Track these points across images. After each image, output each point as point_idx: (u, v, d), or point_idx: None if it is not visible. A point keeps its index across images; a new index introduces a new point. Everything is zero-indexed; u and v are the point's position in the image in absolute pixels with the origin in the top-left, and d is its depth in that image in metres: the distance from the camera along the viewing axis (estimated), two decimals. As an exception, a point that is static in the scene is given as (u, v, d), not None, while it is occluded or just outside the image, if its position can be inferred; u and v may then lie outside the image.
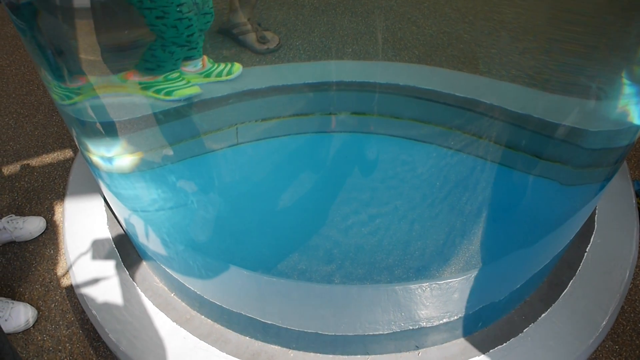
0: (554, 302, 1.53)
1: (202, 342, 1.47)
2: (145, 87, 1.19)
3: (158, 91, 1.22)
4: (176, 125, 1.40)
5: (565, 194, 1.37)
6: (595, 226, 1.72)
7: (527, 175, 1.36)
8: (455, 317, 1.36)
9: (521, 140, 1.35)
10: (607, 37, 1.05)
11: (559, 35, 1.11)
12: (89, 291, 1.63)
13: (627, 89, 1.12)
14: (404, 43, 1.42)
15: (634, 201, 1.83)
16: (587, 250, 1.65)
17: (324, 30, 1.42)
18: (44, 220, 2.02)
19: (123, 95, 1.24)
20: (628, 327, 1.61)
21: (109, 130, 1.28)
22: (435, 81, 1.53)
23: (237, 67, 1.32)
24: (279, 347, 1.45)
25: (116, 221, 1.84)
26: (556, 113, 1.27)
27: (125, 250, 1.74)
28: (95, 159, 1.39)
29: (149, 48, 1.12)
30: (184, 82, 1.22)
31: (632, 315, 1.64)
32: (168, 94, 1.23)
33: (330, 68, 1.52)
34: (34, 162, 2.31)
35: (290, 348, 1.44)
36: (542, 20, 1.12)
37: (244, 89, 1.51)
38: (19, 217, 2.00)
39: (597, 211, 1.77)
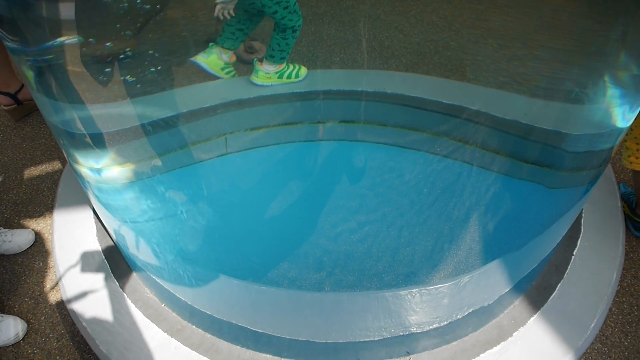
0: (542, 306, 1.54)
1: (194, 352, 1.47)
2: (280, 75, 1.25)
3: (289, 76, 1.26)
4: (165, 136, 1.41)
5: (551, 197, 1.38)
6: (582, 229, 1.74)
7: (513, 180, 1.38)
8: (445, 322, 1.37)
9: (507, 145, 1.37)
10: (589, 43, 1.08)
11: (544, 42, 1.13)
12: (79, 303, 1.63)
13: (611, 92, 1.14)
14: (391, 51, 1.44)
15: (620, 204, 1.85)
16: (574, 253, 1.67)
17: (311, 39, 1.44)
18: (33, 232, 2.01)
19: (112, 107, 1.25)
20: (616, 329, 1.63)
21: (98, 141, 1.29)
22: (423, 89, 1.54)
23: (304, 71, 1.35)
24: (271, 356, 1.45)
25: (106, 233, 1.83)
26: (541, 118, 1.29)
27: (115, 262, 1.73)
28: (84, 170, 1.39)
29: (282, 38, 1.18)
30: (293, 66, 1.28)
31: (620, 317, 1.66)
32: (297, 75, 1.27)
33: (318, 77, 1.54)
34: (22, 174, 2.30)
35: (281, 356, 1.45)
36: (528, 28, 1.14)
37: (232, 99, 1.52)
38: (7, 230, 1.99)
39: (583, 215, 1.79)
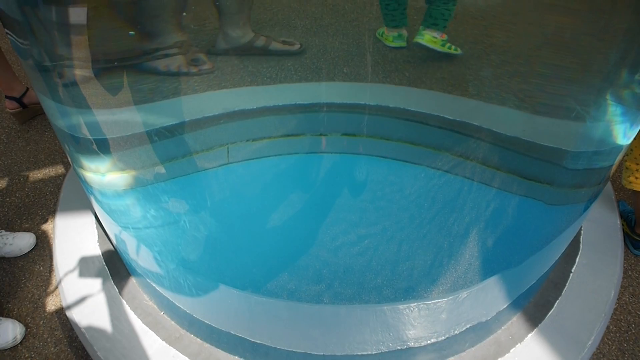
0: (540, 322, 1.54)
1: (191, 361, 1.48)
2: (443, 44, 1.27)
3: (449, 47, 1.28)
4: (169, 143, 1.42)
5: (550, 214, 1.39)
6: (581, 247, 1.75)
7: (513, 196, 1.38)
8: (443, 337, 1.37)
9: (508, 161, 1.38)
10: (592, 60, 1.09)
11: (546, 59, 1.14)
12: (78, 309, 1.63)
13: (612, 110, 1.15)
14: (394, 65, 1.45)
15: (619, 222, 1.86)
16: (572, 270, 1.68)
17: (315, 52, 1.44)
18: (34, 236, 2.02)
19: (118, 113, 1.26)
20: (614, 347, 1.63)
21: (103, 147, 1.30)
22: (425, 103, 1.55)
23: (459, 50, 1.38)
24: (268, 366, 1.46)
25: (107, 239, 1.84)
26: (542, 135, 1.30)
27: (115, 268, 1.74)
28: (88, 175, 1.40)
29: (446, 9, 1.21)
30: None
31: (617, 335, 1.66)
32: (455, 49, 1.30)
33: (321, 89, 1.54)
34: (25, 177, 2.31)
35: (279, 367, 1.45)
36: (532, 45, 1.15)
37: (235, 109, 1.53)
38: (8, 232, 2.00)
39: (582, 232, 1.79)
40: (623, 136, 1.24)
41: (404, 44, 1.28)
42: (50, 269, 1.93)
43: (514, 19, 1.22)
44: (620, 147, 1.28)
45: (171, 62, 1.27)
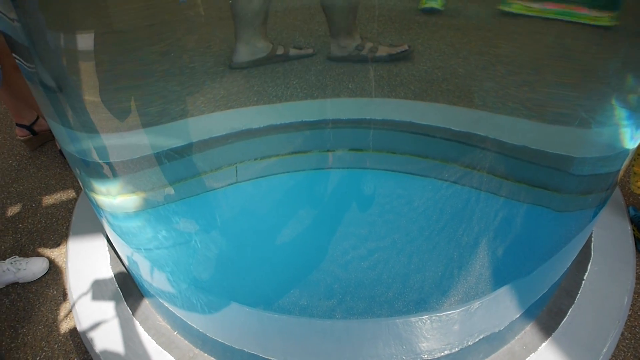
0: (554, 331, 1.53)
1: (206, 380, 1.48)
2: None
3: None
4: (178, 165, 1.44)
5: (560, 221, 1.39)
6: (592, 254, 1.74)
7: (522, 204, 1.39)
8: (456, 349, 1.37)
9: (515, 170, 1.38)
10: (596, 67, 1.10)
11: (552, 68, 1.15)
12: (92, 331, 1.64)
13: (618, 114, 1.16)
14: (400, 79, 1.46)
15: (629, 228, 1.85)
16: (584, 277, 1.67)
17: (320, 69, 1.47)
18: (47, 261, 2.04)
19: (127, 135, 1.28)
20: (629, 354, 1.61)
21: (114, 170, 1.32)
22: (431, 116, 1.57)
23: None
24: (282, 383, 1.45)
25: (119, 261, 1.86)
26: (549, 143, 1.31)
27: (128, 290, 1.75)
28: (99, 198, 1.42)
29: None
30: None
31: (632, 341, 1.64)
32: None
33: (327, 106, 1.56)
34: (37, 203, 2.34)
35: (293, 384, 1.45)
36: (537, 55, 1.17)
37: (243, 129, 1.55)
38: (22, 258, 2.02)
39: (593, 239, 1.79)
40: (630, 138, 1.25)
41: (438, 5, 1.28)
42: (63, 292, 1.94)
43: (519, 28, 1.24)
44: (626, 150, 1.28)
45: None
